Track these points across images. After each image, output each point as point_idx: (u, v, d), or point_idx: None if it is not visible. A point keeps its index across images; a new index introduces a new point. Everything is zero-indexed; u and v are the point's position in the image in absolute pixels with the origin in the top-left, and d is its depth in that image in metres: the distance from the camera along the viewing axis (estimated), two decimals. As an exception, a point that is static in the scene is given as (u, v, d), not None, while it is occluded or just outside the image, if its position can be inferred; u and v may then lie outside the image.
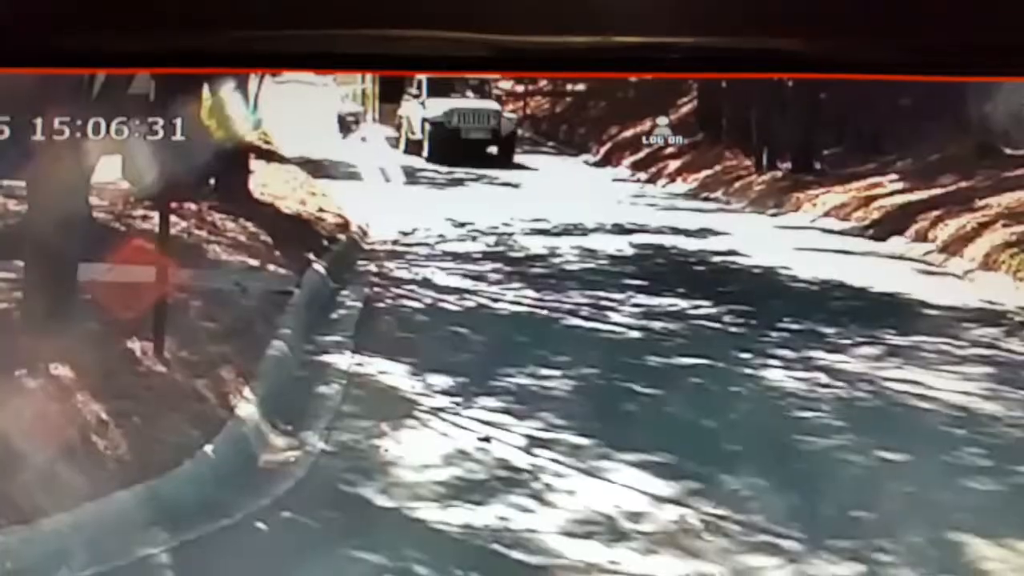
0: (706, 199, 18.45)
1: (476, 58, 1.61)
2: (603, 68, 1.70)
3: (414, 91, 20.63)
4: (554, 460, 7.47)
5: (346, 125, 21.67)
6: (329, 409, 8.17)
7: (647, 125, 20.13)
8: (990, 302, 11.96)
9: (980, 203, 15.25)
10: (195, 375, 7.85)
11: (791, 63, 1.62)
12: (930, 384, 9.13)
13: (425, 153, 20.06)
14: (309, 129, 20.54)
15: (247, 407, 7.65)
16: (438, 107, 20.23)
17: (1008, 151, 17.39)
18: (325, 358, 9.36)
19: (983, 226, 14.16)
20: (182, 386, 7.69)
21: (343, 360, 9.33)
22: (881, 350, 10.15)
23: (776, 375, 9.40)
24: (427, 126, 20.22)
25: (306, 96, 23.63)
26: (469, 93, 20.71)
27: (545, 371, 9.23)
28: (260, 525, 6.42)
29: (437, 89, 20.28)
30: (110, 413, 6.94)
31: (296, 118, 20.85)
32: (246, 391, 7.83)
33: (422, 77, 19.48)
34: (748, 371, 9.48)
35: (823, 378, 9.35)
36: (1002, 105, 16.77)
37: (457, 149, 19.75)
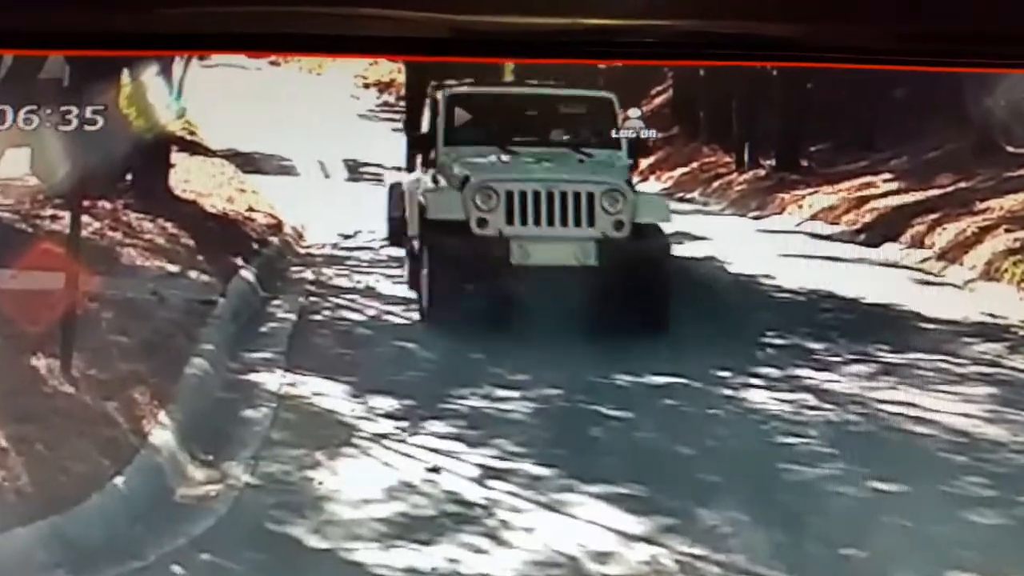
0: (682, 199, 18.49)
1: (436, 41, 1.61)
2: (571, 54, 1.71)
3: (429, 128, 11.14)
4: (511, 493, 7.45)
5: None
6: (256, 436, 8.15)
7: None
8: (992, 315, 12.02)
9: (981, 206, 15.35)
10: (105, 396, 7.85)
11: (776, 49, 1.63)
12: (927, 406, 9.19)
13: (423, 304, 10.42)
14: (239, 118, 20.45)
15: (163, 433, 7.62)
16: (455, 171, 10.15)
17: (1010, 149, 17.52)
18: (252, 377, 9.34)
19: (984, 231, 14.24)
20: (91, 409, 7.65)
21: (273, 380, 9.31)
22: (874, 368, 10.20)
23: (759, 396, 9.43)
24: (416, 224, 10.67)
25: (237, 82, 23.55)
26: (560, 136, 10.76)
27: (502, 392, 9.22)
28: (176, 568, 6.36)
29: (476, 129, 10.57)
30: (10, 438, 6.92)
31: (225, 106, 20.74)
32: (162, 415, 7.81)
33: (443, 97, 10.89)
34: (728, 392, 9.50)
35: (810, 400, 9.39)
36: (1003, 99, 16.90)
37: (498, 298, 9.47)
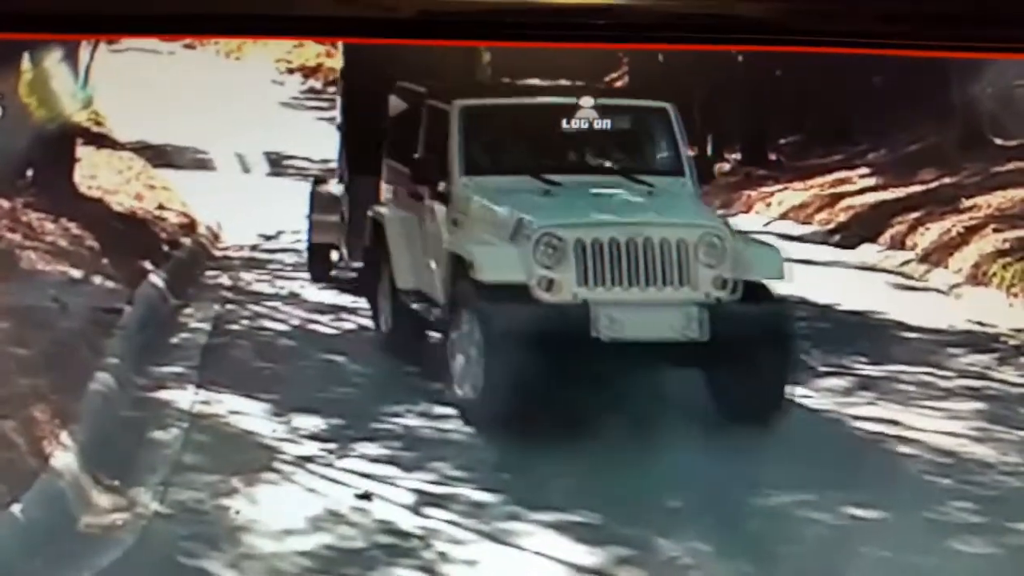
0: (638, 197, 18.57)
1: (379, 21, 1.60)
2: (520, 36, 1.71)
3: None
4: (450, 522, 7.42)
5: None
6: (165, 459, 8.11)
7: (567, 106, 20.19)
8: (980, 323, 12.11)
9: (967, 203, 15.49)
10: (2, 415, 7.78)
11: (741, 32, 1.62)
12: (909, 424, 9.25)
13: (471, 396, 8.65)
14: (150, 108, 20.39)
15: (65, 456, 7.56)
16: (495, 212, 8.52)
17: (998, 141, 17.69)
18: (162, 394, 9.31)
19: (971, 231, 14.36)
20: (-15, 429, 7.57)
21: (184, 397, 9.29)
22: (850, 382, 10.26)
23: (724, 413, 9.41)
24: (435, 280, 9.03)
25: (148, 68, 23.47)
26: (603, 161, 9.39)
27: (440, 409, 9.19)
28: (78, 606, 6.32)
29: (501, 151, 9.23)
30: None
31: (135, 95, 20.70)
32: (64, 436, 7.74)
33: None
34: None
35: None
36: (991, 87, 17.06)
37: (585, 388, 8.22)
